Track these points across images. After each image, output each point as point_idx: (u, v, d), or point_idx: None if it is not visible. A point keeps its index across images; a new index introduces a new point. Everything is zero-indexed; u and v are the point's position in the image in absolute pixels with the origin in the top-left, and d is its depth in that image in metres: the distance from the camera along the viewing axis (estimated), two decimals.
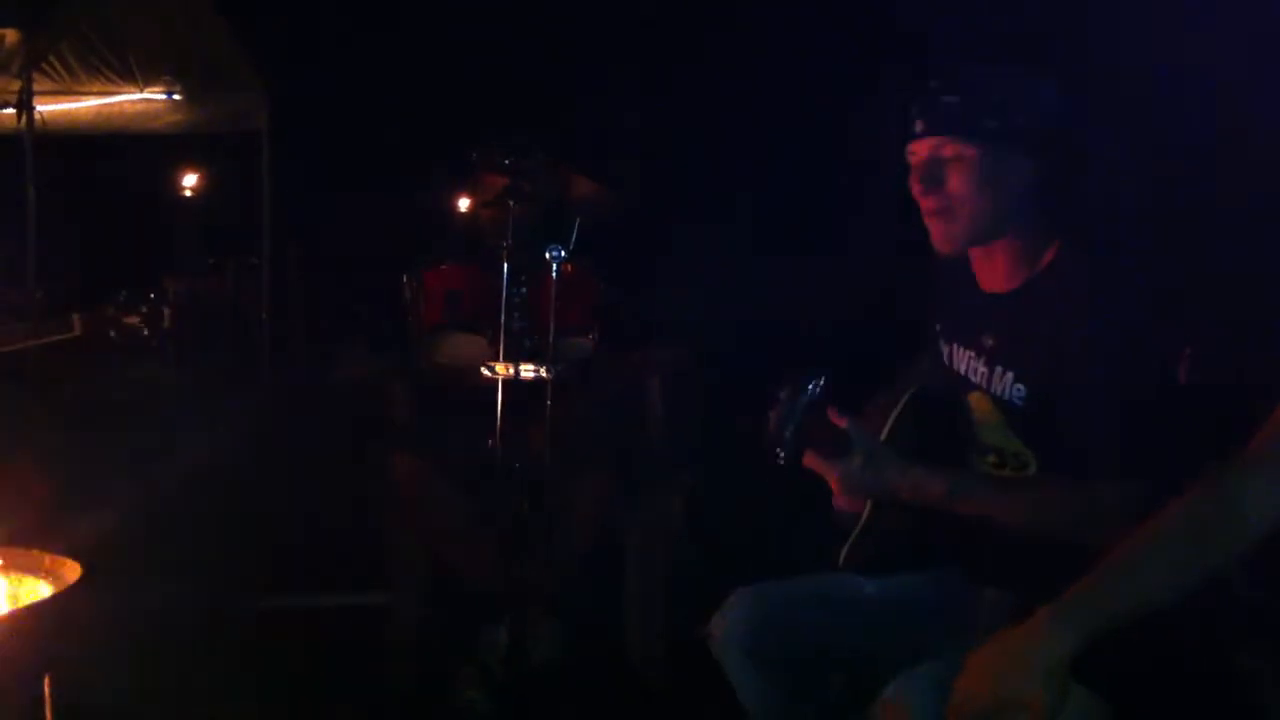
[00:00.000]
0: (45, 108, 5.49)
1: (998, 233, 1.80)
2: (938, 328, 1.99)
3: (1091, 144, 1.83)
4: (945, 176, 1.77)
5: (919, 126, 1.79)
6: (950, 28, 4.47)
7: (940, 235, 1.82)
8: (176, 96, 6.35)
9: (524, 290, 2.82)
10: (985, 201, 1.77)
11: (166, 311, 2.31)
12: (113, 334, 2.30)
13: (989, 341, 1.84)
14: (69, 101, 6.16)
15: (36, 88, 5.35)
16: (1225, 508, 1.35)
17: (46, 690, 1.54)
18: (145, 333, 2.31)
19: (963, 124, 1.75)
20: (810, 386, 1.81)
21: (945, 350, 1.95)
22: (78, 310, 2.26)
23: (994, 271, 1.85)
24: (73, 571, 1.64)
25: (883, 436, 1.85)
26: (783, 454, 1.76)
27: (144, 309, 2.31)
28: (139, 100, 6.33)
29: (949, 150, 1.77)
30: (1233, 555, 1.36)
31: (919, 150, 1.80)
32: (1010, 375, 1.79)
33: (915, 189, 1.81)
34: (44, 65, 5.63)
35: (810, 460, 1.81)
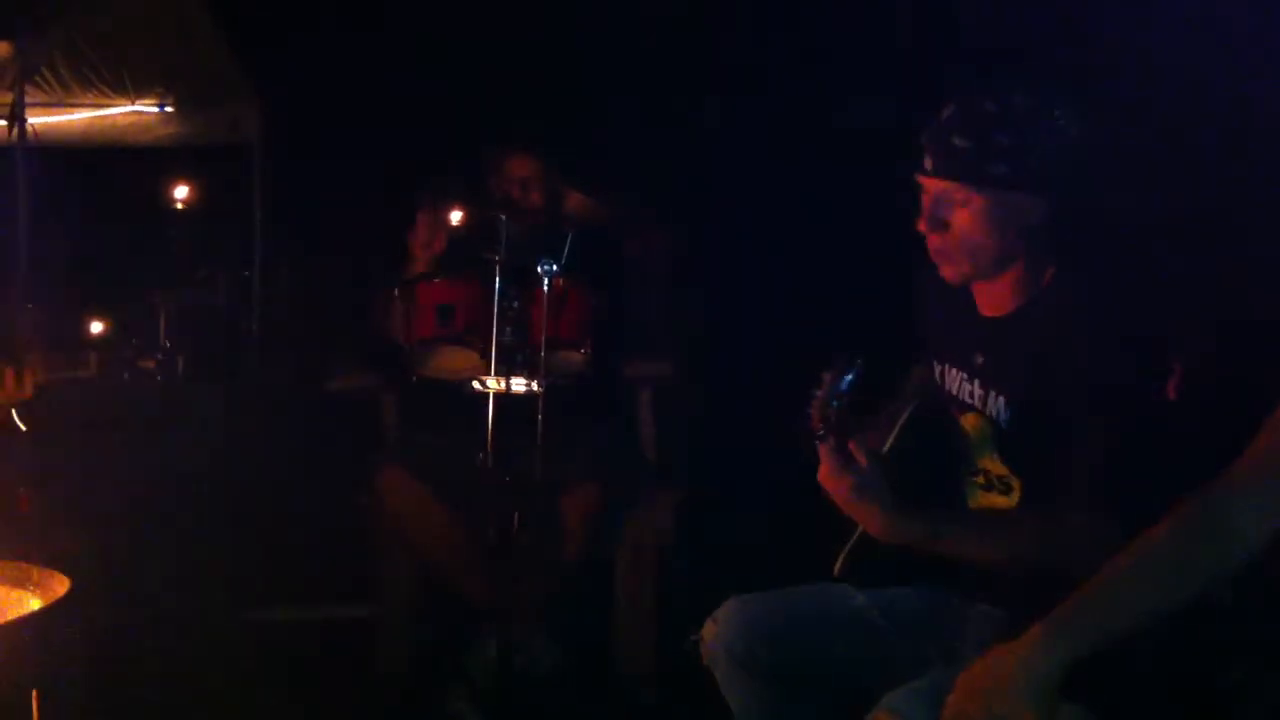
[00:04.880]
0: (37, 120, 5.48)
1: (1003, 269, 1.80)
2: (931, 346, 2.00)
3: (1098, 165, 1.83)
4: (950, 220, 1.76)
5: (928, 163, 1.77)
6: (950, 34, 4.47)
7: (946, 273, 1.82)
8: (169, 109, 6.35)
9: (516, 304, 2.82)
10: (989, 244, 1.76)
11: (180, 359, 2.36)
12: (127, 375, 2.34)
13: (981, 363, 1.85)
14: (61, 114, 6.15)
15: (28, 100, 5.35)
16: (1213, 528, 1.35)
17: (34, 706, 1.53)
18: (159, 378, 2.36)
19: (973, 171, 1.73)
20: (850, 369, 1.81)
21: (937, 370, 1.96)
22: (92, 349, 2.29)
23: (996, 297, 1.85)
24: (61, 585, 1.64)
25: (886, 449, 1.86)
26: (823, 433, 1.76)
27: (159, 356, 2.35)
28: (130, 112, 6.33)
29: (958, 195, 1.75)
30: (1222, 575, 1.37)
31: (928, 187, 1.79)
32: (1001, 398, 1.80)
33: (922, 226, 1.81)
34: (36, 77, 5.63)
35: (824, 450, 1.80)
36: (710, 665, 1.90)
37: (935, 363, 1.97)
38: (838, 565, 1.87)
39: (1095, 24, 3.83)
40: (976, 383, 1.86)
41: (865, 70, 4.83)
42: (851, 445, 1.74)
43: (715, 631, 1.88)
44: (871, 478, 1.72)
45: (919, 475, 1.82)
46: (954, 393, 1.90)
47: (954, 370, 1.92)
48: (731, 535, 3.71)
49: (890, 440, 1.89)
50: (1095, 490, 1.66)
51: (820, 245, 4.88)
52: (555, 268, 2.67)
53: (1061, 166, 1.74)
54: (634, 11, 5.74)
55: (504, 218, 2.78)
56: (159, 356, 2.37)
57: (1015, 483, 1.80)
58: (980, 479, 1.85)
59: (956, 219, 1.76)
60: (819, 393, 1.78)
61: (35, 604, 1.62)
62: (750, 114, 5.45)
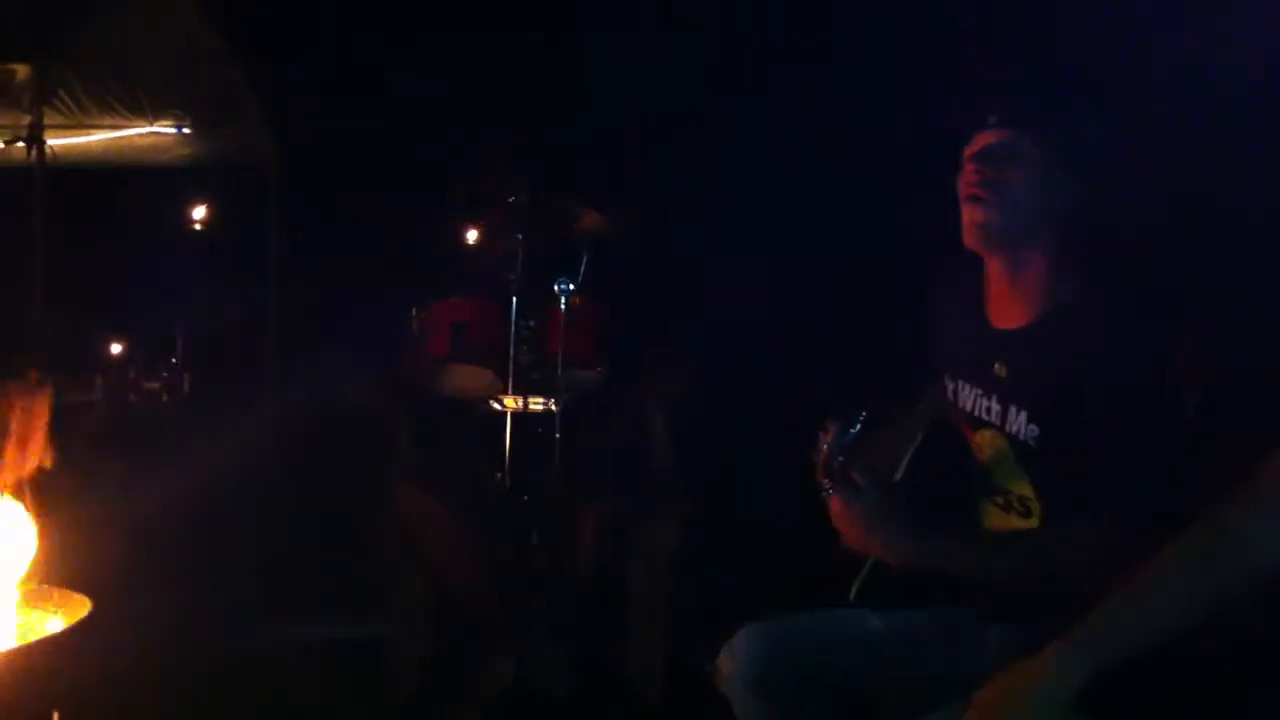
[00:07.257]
0: (55, 141, 5.52)
1: (1024, 242, 1.80)
2: (942, 363, 1.98)
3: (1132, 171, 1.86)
4: (1002, 164, 1.79)
5: (993, 119, 1.82)
6: (952, 34, 4.46)
7: (973, 221, 1.81)
8: (186, 130, 6.38)
9: (531, 323, 2.83)
10: (1027, 205, 1.78)
11: (186, 378, 2.35)
12: (132, 397, 2.34)
13: (1002, 378, 1.82)
14: (79, 135, 6.19)
15: (46, 121, 5.38)
16: (1232, 542, 1.35)
17: None
18: (165, 398, 2.35)
19: (1039, 126, 1.78)
20: (855, 420, 1.80)
21: (950, 386, 1.94)
22: (98, 372, 2.29)
23: (1011, 304, 1.83)
24: (82, 606, 1.65)
25: (898, 475, 1.85)
26: (830, 487, 1.76)
27: (165, 374, 2.35)
28: (148, 134, 6.36)
29: (1013, 142, 1.79)
30: (1240, 589, 1.36)
31: (986, 139, 1.82)
32: (1024, 415, 1.77)
33: (967, 168, 1.82)
34: (54, 99, 5.67)
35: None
36: (728, 695, 1.89)
37: (947, 379, 1.94)
38: (854, 590, 1.86)
39: (1096, 24, 3.82)
40: (994, 398, 1.82)
41: (871, 74, 4.83)
42: (854, 475, 1.74)
43: (731, 661, 1.86)
44: (881, 506, 1.71)
45: (933, 500, 1.81)
46: (968, 409, 1.87)
47: (968, 386, 1.88)
48: (745, 552, 3.70)
49: (903, 467, 1.87)
50: (1128, 507, 1.64)
51: (831, 259, 4.87)
52: (572, 287, 2.68)
53: (1101, 159, 1.79)
54: (634, 12, 5.76)
55: (520, 238, 2.80)
56: (165, 375, 2.37)
57: (1036, 505, 1.77)
58: (1000, 499, 1.83)
59: (1008, 164, 1.79)
60: (823, 446, 1.78)
61: (57, 625, 1.63)
62: (751, 117, 5.45)
